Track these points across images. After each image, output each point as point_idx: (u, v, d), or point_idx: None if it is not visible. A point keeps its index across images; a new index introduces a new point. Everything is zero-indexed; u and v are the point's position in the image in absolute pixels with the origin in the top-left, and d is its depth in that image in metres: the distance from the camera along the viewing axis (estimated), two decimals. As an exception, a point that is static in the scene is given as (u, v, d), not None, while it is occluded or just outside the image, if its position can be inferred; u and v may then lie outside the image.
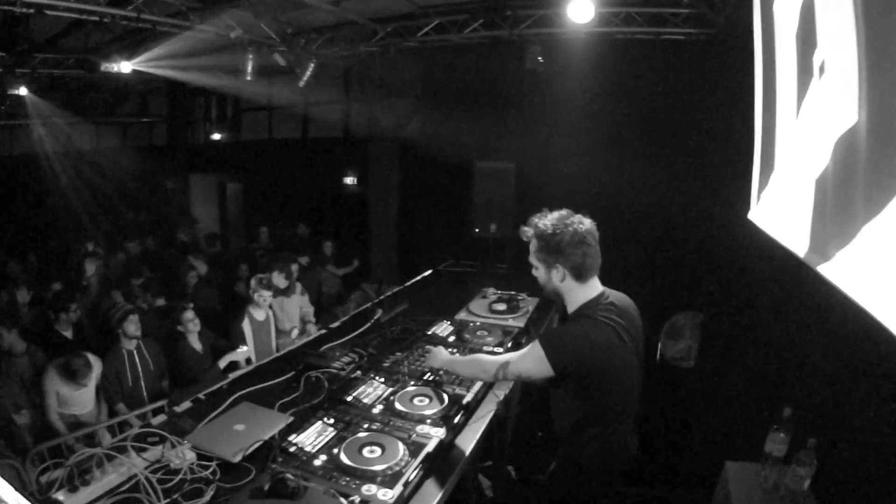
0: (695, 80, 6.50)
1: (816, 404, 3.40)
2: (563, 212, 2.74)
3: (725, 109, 5.72)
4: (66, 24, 6.62)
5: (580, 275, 2.68)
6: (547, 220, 2.70)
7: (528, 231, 2.79)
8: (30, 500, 1.94)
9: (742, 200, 4.21)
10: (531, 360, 2.65)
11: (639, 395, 2.81)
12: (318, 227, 10.64)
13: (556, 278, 2.69)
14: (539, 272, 2.77)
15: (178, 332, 5.73)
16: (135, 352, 5.46)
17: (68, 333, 6.08)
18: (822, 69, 2.34)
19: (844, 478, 2.95)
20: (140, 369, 5.46)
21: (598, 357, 2.55)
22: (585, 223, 2.70)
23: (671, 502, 3.95)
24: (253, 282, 6.23)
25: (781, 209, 3.24)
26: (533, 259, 2.77)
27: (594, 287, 2.73)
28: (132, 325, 5.39)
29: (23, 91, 8.02)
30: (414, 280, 5.84)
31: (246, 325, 6.06)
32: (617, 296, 2.79)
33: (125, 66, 7.79)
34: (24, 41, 6.63)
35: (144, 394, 5.44)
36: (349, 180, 11.49)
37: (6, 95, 7.95)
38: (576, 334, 2.61)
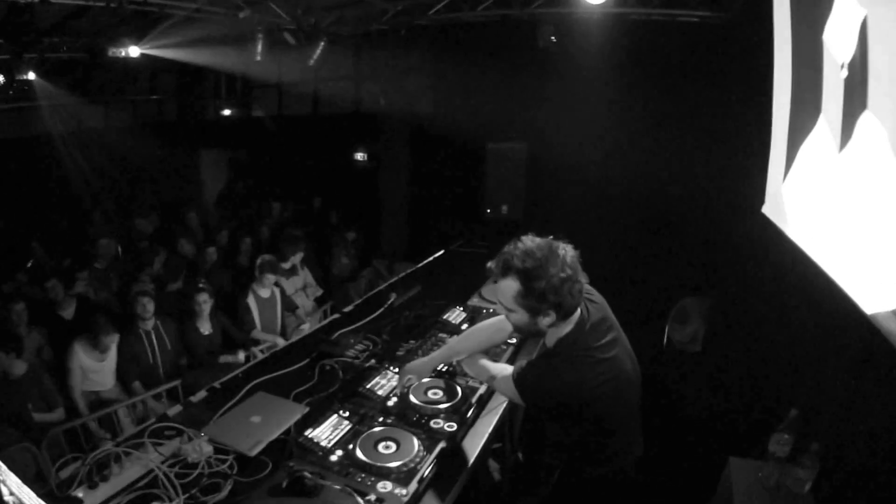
0: (710, 65, 6.37)
1: (822, 408, 3.41)
2: (541, 241, 2.33)
3: (741, 98, 5.64)
4: (73, 7, 6.57)
5: (568, 314, 2.37)
6: (527, 259, 2.27)
7: (497, 269, 2.37)
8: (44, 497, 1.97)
9: (756, 192, 4.18)
10: (508, 390, 2.53)
11: (639, 402, 2.62)
12: (328, 201, 10.65)
13: (544, 323, 2.37)
14: (516, 316, 2.40)
15: (192, 312, 5.83)
16: (152, 332, 5.58)
17: (67, 314, 6.15)
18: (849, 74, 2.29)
19: (845, 483, 2.98)
20: (158, 349, 5.59)
21: (572, 395, 2.35)
22: (569, 252, 2.32)
23: (675, 492, 3.97)
24: (257, 267, 6.35)
25: (801, 209, 3.22)
26: (511, 303, 2.36)
27: (574, 318, 2.43)
28: (140, 307, 5.50)
29: (31, 76, 7.97)
30: (426, 261, 5.83)
31: (252, 302, 6.26)
32: (594, 311, 2.50)
33: (133, 51, 7.77)
34: (29, 30, 6.59)
35: (161, 372, 5.56)
36: (360, 156, 11.45)
37: (14, 81, 7.91)
38: (547, 377, 2.39)
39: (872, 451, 2.87)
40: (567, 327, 2.42)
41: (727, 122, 6.05)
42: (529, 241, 2.33)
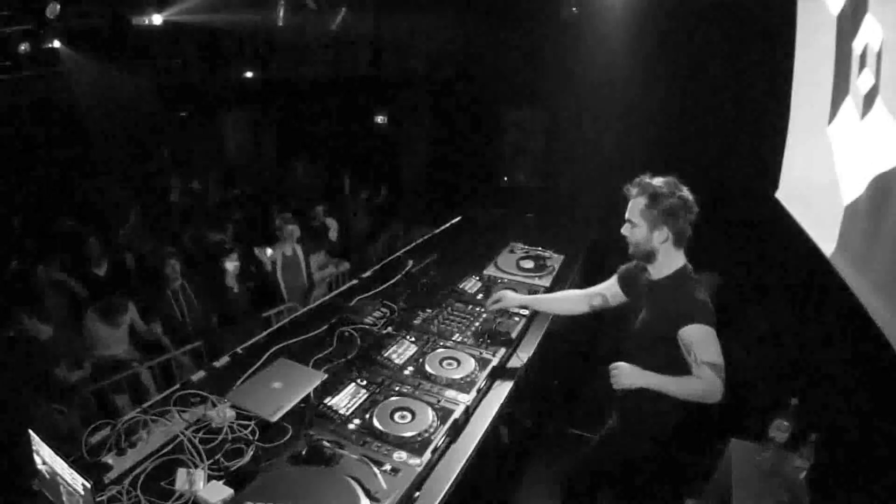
0: (733, 43, 6.20)
1: (823, 400, 3.44)
2: (670, 177, 2.74)
3: (762, 78, 5.54)
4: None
5: (680, 241, 2.72)
6: (659, 182, 2.70)
7: (633, 189, 2.77)
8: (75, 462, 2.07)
9: (771, 177, 4.16)
10: (714, 344, 2.55)
11: None
12: (343, 162, 10.64)
13: (658, 239, 2.70)
14: (638, 230, 2.74)
15: (219, 271, 5.98)
16: (179, 291, 5.75)
17: (101, 272, 6.35)
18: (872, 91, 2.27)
19: (839, 475, 3.03)
20: (186, 307, 5.76)
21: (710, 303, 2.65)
22: (686, 190, 2.72)
23: (677, 468, 4.00)
24: (277, 221, 6.50)
25: (809, 200, 3.22)
26: (635, 217, 2.74)
27: (682, 256, 2.78)
28: (169, 268, 5.66)
29: (56, 44, 8.04)
30: (443, 227, 5.85)
31: (277, 257, 6.45)
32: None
33: (156, 18, 7.89)
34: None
35: (191, 329, 5.75)
36: (379, 119, 11.40)
37: (40, 50, 7.98)
38: (706, 299, 2.66)
39: (868, 448, 2.92)
40: (678, 261, 2.76)
41: (747, 102, 5.95)
42: (658, 176, 2.74)
